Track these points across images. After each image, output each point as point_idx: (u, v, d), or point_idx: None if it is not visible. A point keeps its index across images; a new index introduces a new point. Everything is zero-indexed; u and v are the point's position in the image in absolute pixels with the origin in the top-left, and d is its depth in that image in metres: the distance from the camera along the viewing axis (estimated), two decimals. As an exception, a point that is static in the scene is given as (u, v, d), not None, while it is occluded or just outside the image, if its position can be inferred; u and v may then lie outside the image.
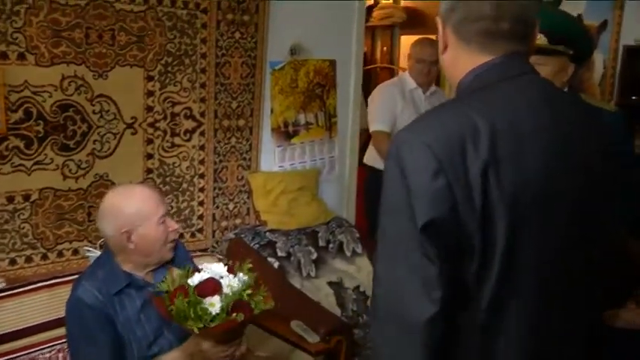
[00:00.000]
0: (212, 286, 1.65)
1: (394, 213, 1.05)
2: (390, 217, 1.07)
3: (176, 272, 1.75)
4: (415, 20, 5.23)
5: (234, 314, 1.62)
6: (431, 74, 3.56)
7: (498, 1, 1.13)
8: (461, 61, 1.20)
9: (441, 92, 3.85)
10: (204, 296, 1.62)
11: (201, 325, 1.60)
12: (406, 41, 5.31)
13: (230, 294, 1.64)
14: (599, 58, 3.89)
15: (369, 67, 5.31)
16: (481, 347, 1.08)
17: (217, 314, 1.61)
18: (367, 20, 4.90)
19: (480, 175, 1.01)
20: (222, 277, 1.69)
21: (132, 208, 1.82)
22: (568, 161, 1.10)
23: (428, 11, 5.13)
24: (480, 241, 1.02)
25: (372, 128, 3.50)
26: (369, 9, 5.15)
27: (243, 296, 1.66)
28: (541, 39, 2.34)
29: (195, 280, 1.67)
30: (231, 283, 1.68)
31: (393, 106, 3.46)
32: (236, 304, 1.64)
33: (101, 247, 2.62)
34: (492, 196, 1.02)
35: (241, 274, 1.72)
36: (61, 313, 1.88)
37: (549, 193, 1.07)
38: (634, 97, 3.62)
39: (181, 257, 1.99)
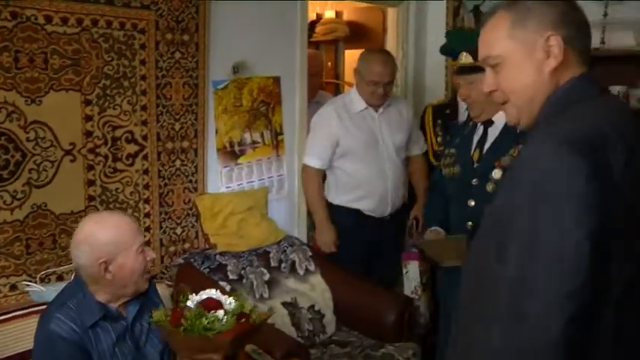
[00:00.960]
0: (214, 302, 1.73)
1: (545, 226, 1.02)
2: (541, 231, 1.03)
3: (158, 312, 1.75)
4: (359, 34, 5.24)
5: (243, 319, 1.73)
6: (386, 94, 3.20)
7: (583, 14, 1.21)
8: (559, 74, 1.19)
9: (399, 99, 3.60)
10: (209, 310, 1.70)
11: (216, 332, 1.66)
12: (350, 55, 5.33)
13: (232, 308, 1.73)
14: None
15: (315, 82, 5.30)
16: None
17: (227, 321, 1.70)
18: (311, 36, 4.90)
19: (621, 176, 1.03)
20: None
21: (110, 237, 1.75)
22: None
23: (371, 25, 5.16)
24: (623, 243, 1.04)
25: (303, 160, 3.36)
26: (313, 24, 5.15)
27: (245, 308, 1.77)
28: (467, 58, 2.40)
29: (194, 300, 1.74)
30: (229, 301, 1.76)
31: (331, 139, 3.21)
32: (240, 315, 1.73)
33: (42, 280, 2.52)
34: (631, 197, 1.06)
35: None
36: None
37: None
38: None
39: (152, 289, 1.95)
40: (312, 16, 5.25)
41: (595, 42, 3.54)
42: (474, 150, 2.44)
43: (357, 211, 3.28)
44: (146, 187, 2.91)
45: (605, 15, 3.45)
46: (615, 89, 3.47)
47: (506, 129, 2.31)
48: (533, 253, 1.03)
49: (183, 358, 1.76)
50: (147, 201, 2.92)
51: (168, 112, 2.94)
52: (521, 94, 1.23)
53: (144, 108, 2.84)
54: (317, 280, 3.23)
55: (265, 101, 3.38)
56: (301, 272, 3.22)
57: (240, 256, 3.08)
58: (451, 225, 2.52)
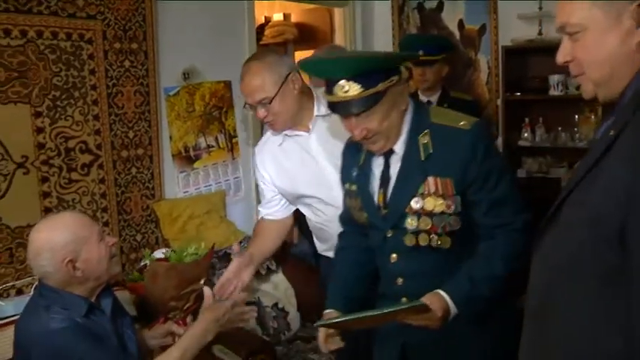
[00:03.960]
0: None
1: None
2: None
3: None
4: (307, 35, 5.30)
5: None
6: None
7: None
8: None
9: None
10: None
11: (201, 256, 2.28)
12: (300, 57, 5.38)
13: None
14: (483, 59, 4.10)
15: (267, 85, 5.33)
16: None
17: (202, 249, 2.34)
18: (260, 39, 4.94)
19: None
20: None
21: (67, 236, 1.70)
22: None
23: (319, 26, 5.23)
24: None
25: None
26: (261, 27, 5.19)
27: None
28: (352, 88, 1.57)
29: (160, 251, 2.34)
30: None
31: None
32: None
33: (0, 295, 2.50)
34: None
35: None
36: None
37: None
38: (518, 94, 3.84)
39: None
40: (261, 20, 5.30)
41: (533, 34, 3.69)
42: (378, 191, 1.74)
43: None
44: (103, 196, 2.91)
45: (540, 8, 3.60)
46: (554, 78, 3.62)
47: (409, 157, 1.67)
48: None
49: (171, 300, 1.98)
50: (105, 210, 2.92)
51: (121, 120, 2.95)
52: (600, 68, 1.07)
53: (96, 117, 2.85)
54: (279, 278, 3.28)
55: (217, 105, 3.41)
56: (263, 272, 3.25)
57: (201, 259, 3.10)
58: (381, 283, 1.82)
